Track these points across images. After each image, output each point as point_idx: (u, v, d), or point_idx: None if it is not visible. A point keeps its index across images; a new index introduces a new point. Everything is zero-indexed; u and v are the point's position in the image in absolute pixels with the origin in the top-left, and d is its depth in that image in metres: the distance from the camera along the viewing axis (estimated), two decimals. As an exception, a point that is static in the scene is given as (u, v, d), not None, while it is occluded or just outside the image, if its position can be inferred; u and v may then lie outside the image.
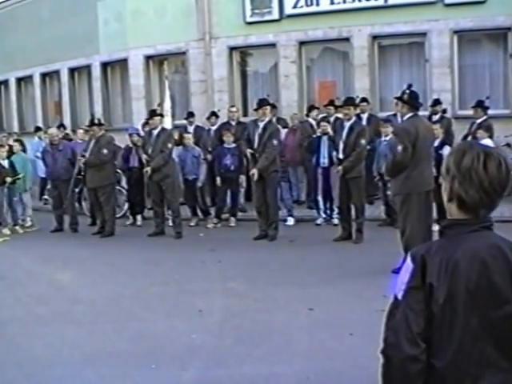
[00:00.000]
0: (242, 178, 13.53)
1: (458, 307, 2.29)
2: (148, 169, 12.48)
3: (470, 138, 13.25)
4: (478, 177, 2.30)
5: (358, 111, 13.05)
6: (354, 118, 11.49)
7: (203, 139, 15.15)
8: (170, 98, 15.19)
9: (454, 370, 2.31)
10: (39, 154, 15.79)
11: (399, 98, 8.97)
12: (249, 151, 11.79)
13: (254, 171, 11.53)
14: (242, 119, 15.80)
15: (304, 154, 13.80)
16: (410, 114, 8.78)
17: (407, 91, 8.88)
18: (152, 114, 13.11)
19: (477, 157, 2.33)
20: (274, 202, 11.83)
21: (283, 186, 13.09)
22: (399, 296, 2.38)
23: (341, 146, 11.27)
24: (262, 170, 11.47)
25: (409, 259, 2.39)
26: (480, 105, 13.54)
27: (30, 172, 14.83)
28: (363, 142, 11.18)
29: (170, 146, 12.54)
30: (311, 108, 15.33)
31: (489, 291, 2.29)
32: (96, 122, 13.37)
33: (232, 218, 13.57)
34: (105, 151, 12.96)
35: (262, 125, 11.63)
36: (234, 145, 13.45)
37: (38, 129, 19.26)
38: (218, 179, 13.44)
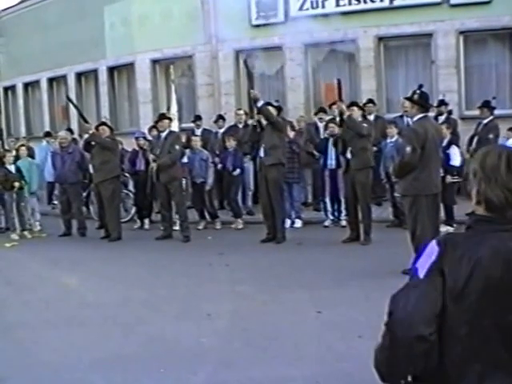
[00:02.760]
0: (238, 171, 13.62)
1: (473, 304, 2.25)
2: (154, 165, 12.51)
3: (476, 139, 13.23)
4: (501, 176, 2.30)
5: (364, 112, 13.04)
6: (359, 120, 11.49)
7: (211, 142, 15.18)
8: (177, 102, 15.19)
9: (460, 366, 2.29)
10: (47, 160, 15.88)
11: (409, 99, 8.92)
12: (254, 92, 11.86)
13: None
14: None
15: (308, 156, 13.76)
16: (419, 116, 8.73)
17: (418, 91, 8.83)
18: (161, 116, 13.15)
19: (498, 156, 2.33)
20: (279, 205, 11.79)
21: (295, 187, 13.11)
22: (421, 274, 2.33)
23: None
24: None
25: (434, 243, 2.35)
26: (486, 105, 13.49)
27: (36, 176, 14.85)
28: (365, 127, 11.22)
29: (177, 147, 12.56)
30: (320, 110, 15.21)
31: (508, 292, 2.24)
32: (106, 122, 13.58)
33: (239, 220, 13.58)
34: (108, 139, 13.14)
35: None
36: (234, 147, 13.64)
37: (47, 134, 19.29)
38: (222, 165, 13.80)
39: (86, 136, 13.47)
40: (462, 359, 2.28)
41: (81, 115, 13.90)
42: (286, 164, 12.06)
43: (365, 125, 11.27)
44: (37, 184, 15.01)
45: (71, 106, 15.58)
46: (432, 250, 2.35)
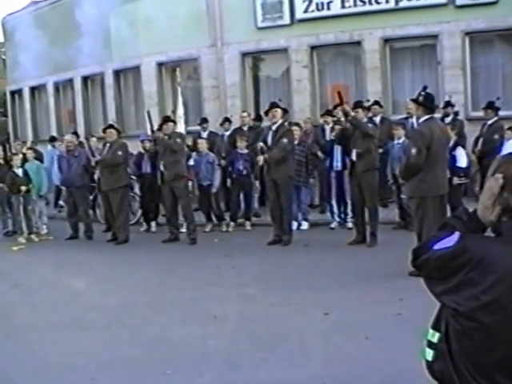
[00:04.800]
0: (252, 178, 13.69)
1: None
2: (161, 166, 12.56)
3: (481, 140, 13.22)
4: None
5: (370, 114, 13.01)
6: (364, 120, 11.43)
7: (217, 145, 15.16)
8: (183, 104, 15.21)
9: None
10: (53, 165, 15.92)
11: (415, 101, 8.92)
12: (260, 144, 11.74)
13: (260, 158, 11.53)
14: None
15: (314, 158, 13.75)
16: (425, 117, 8.72)
17: (423, 93, 8.83)
18: (165, 119, 13.14)
19: None
20: (289, 207, 11.79)
21: (303, 189, 13.11)
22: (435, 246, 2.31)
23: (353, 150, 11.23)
24: (270, 159, 11.44)
25: (456, 239, 2.27)
26: (490, 106, 13.48)
27: (44, 179, 14.87)
28: (369, 128, 11.13)
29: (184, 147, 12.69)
30: (326, 113, 15.13)
31: None
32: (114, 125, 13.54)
33: (247, 222, 13.59)
34: (119, 153, 13.01)
35: (274, 127, 11.64)
36: (246, 150, 13.53)
37: (52, 138, 19.32)
38: (229, 181, 13.63)
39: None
40: None
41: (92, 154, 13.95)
42: (294, 166, 12.10)
43: (370, 125, 11.22)
44: (46, 187, 15.03)
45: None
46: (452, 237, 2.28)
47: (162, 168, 12.55)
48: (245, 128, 15.07)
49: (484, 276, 2.15)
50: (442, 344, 2.33)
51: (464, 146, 12.18)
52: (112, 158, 12.92)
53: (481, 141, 13.36)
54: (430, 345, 2.39)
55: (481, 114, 14.07)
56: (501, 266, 2.14)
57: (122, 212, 13.06)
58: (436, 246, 2.31)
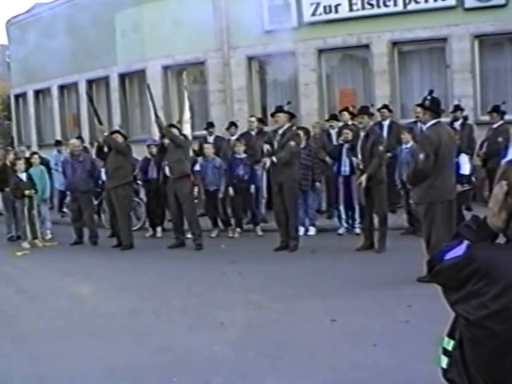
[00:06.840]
0: (253, 187, 13.56)
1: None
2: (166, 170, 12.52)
3: (486, 144, 13.16)
4: None
5: (379, 118, 12.93)
6: (369, 125, 11.32)
7: (223, 149, 15.08)
8: (189, 109, 15.15)
9: None
10: (58, 168, 15.90)
11: (421, 105, 8.86)
12: (266, 146, 11.65)
13: (267, 160, 11.44)
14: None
15: (321, 163, 13.67)
16: (432, 122, 8.65)
17: (429, 97, 8.77)
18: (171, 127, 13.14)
19: None
20: (294, 212, 11.70)
21: (311, 194, 13.03)
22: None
23: (359, 154, 11.13)
24: (278, 161, 11.31)
25: (464, 248, 2.24)
26: (496, 109, 13.45)
27: (47, 183, 14.83)
28: (381, 148, 10.97)
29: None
30: (332, 117, 15.09)
31: None
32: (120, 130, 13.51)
33: (257, 227, 13.52)
34: (122, 144, 13.07)
35: (280, 131, 11.57)
36: (244, 155, 13.49)
37: (58, 142, 19.25)
38: (231, 189, 13.44)
39: (99, 139, 13.39)
40: None
41: (96, 114, 13.73)
42: (300, 170, 12.02)
43: (380, 148, 10.98)
44: (49, 191, 14.99)
45: (89, 103, 14.92)
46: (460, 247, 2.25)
47: (166, 170, 12.51)
48: (253, 133, 15.00)
49: (492, 285, 2.12)
50: (456, 351, 2.32)
51: (467, 152, 12.06)
52: (116, 143, 12.95)
53: (485, 144, 13.32)
54: (445, 352, 2.38)
55: (491, 118, 14.01)
56: (508, 273, 2.11)
57: (124, 212, 12.95)
58: (447, 256, 2.28)
